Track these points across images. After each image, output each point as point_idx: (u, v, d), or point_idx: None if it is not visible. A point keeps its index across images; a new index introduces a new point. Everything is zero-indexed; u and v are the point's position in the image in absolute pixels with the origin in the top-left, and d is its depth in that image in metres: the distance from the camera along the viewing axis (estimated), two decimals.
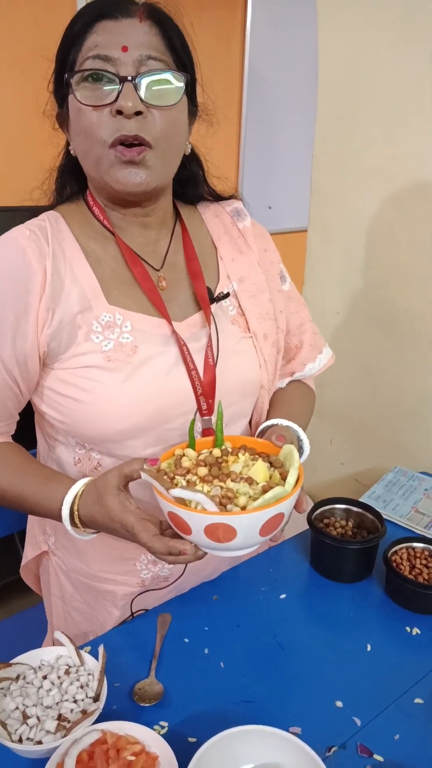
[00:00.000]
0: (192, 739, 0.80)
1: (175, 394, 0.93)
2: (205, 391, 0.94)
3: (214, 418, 0.96)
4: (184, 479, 0.81)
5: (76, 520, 0.85)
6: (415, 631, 1.01)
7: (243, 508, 0.76)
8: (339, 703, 0.87)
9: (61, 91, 0.88)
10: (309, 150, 1.71)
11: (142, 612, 1.05)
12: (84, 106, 0.83)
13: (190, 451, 0.87)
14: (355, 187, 1.61)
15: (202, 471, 0.81)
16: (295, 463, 0.82)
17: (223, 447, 0.90)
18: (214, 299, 0.99)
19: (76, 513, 0.85)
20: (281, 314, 1.07)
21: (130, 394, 0.89)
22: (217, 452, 0.86)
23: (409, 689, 0.90)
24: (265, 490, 0.78)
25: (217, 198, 1.10)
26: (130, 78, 0.81)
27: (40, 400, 0.96)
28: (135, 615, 1.06)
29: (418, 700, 0.88)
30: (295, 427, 1.00)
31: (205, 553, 0.80)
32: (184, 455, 0.86)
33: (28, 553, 1.16)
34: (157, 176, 0.87)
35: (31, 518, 1.16)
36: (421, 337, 1.58)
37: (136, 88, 0.81)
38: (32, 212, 0.96)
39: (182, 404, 0.94)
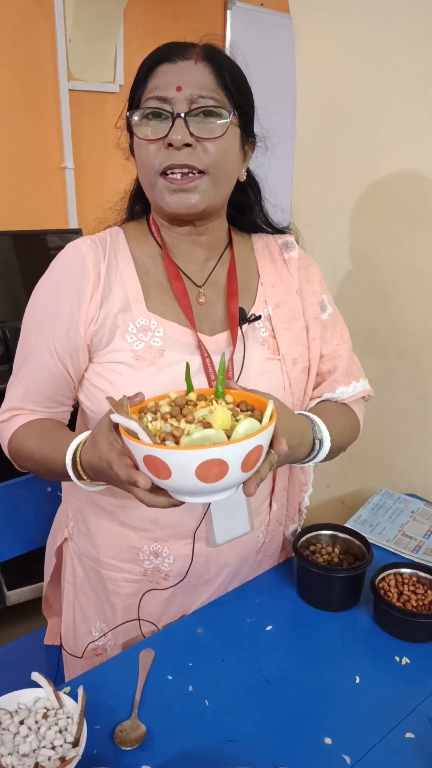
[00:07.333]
0: None
1: None
2: None
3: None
4: (155, 415, 0.81)
5: (79, 468, 0.90)
6: (405, 660, 0.99)
7: None
8: (328, 740, 0.85)
9: (130, 126, 0.99)
10: (289, 172, 1.71)
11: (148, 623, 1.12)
12: (141, 140, 0.94)
13: (172, 393, 0.87)
14: (335, 208, 1.61)
15: (165, 408, 0.82)
16: (264, 418, 0.79)
17: (225, 399, 0.87)
18: (245, 320, 1.05)
19: (78, 460, 0.90)
20: (314, 341, 1.11)
21: (149, 393, 0.95)
22: (192, 396, 0.85)
23: (399, 723, 0.87)
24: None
25: (271, 226, 1.16)
26: (180, 114, 0.91)
27: (79, 390, 1.06)
28: (141, 620, 1.12)
29: (408, 735, 0.86)
30: (315, 418, 0.99)
31: (182, 502, 0.79)
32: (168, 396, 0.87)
33: (57, 540, 1.23)
34: (207, 198, 0.95)
35: (60, 508, 1.23)
36: (406, 357, 1.57)
37: (186, 123, 0.91)
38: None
39: None
